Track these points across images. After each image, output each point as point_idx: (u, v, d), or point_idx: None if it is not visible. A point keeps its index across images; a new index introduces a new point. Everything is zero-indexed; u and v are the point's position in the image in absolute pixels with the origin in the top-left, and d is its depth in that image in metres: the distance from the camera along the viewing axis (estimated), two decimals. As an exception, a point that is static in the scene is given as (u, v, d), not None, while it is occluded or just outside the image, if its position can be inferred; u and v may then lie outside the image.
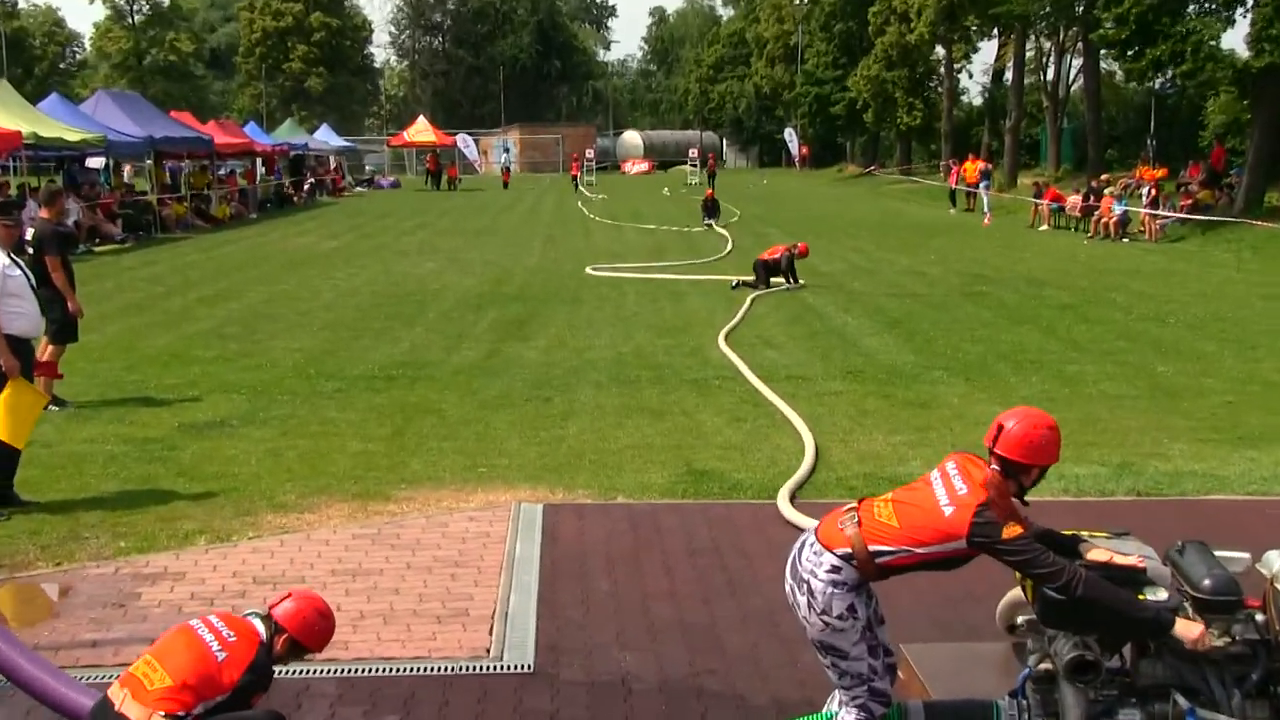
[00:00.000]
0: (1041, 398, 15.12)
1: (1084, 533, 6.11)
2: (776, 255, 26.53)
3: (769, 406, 14.62)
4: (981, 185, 52.02)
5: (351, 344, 19.36)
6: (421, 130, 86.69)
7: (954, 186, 55.26)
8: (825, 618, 5.86)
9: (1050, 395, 15.31)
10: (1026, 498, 5.91)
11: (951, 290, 25.62)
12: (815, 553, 5.95)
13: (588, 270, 30.00)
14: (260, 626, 6.06)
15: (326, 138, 79.80)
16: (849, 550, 5.86)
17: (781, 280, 26.16)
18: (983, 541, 5.64)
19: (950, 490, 5.81)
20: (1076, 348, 18.83)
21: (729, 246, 34.82)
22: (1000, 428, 5.87)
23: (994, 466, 5.85)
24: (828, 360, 17.77)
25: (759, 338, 19.82)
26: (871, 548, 5.82)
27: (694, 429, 13.60)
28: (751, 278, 26.47)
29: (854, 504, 6.08)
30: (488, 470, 11.89)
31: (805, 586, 5.92)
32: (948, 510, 5.73)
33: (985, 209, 49.41)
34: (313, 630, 6.18)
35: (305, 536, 9.87)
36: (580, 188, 74.71)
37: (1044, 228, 43.25)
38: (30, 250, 14.80)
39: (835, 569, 5.87)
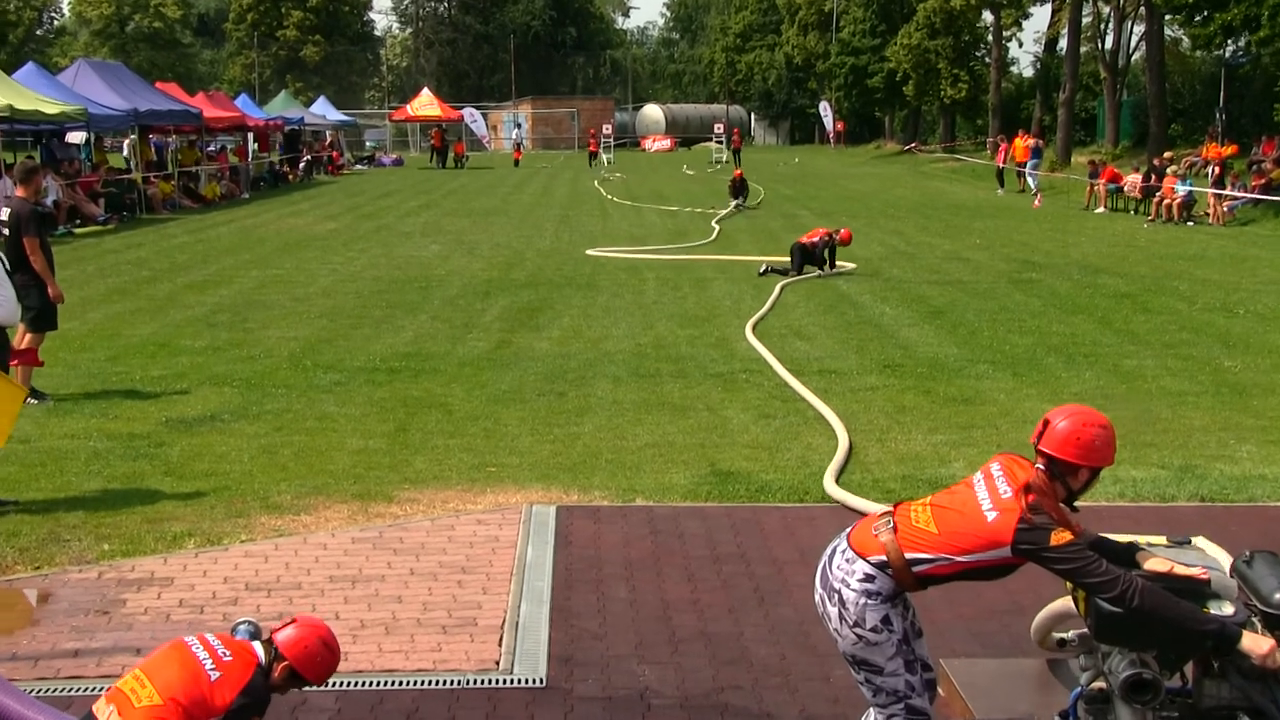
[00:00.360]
0: (1096, 394, 15.11)
1: (1142, 541, 6.10)
2: (815, 239, 26.45)
3: (799, 402, 14.64)
4: (1030, 164, 51.90)
5: (351, 333, 19.42)
6: (426, 103, 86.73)
7: (1002, 165, 55.18)
8: (858, 630, 5.86)
9: (1106, 391, 15.30)
10: (1077, 503, 5.89)
11: (998, 277, 25.59)
12: (847, 560, 5.94)
13: (587, 252, 30.09)
14: (259, 650, 6.09)
15: (324, 111, 79.89)
16: (884, 558, 5.85)
17: (815, 268, 26.11)
18: (1029, 549, 5.60)
19: (994, 493, 5.79)
20: (1135, 340, 18.80)
21: (714, 235, 34.51)
22: (1047, 424, 5.84)
23: (1039, 466, 5.83)
24: (863, 353, 17.77)
25: (789, 328, 19.83)
26: (908, 555, 5.81)
27: (719, 426, 13.62)
28: (782, 260, 26.48)
29: (890, 508, 6.08)
30: (497, 470, 11.93)
31: (836, 597, 5.92)
32: (990, 515, 5.71)
33: (1034, 189, 49.33)
34: (314, 661, 6.20)
35: (302, 540, 9.92)
36: (597, 165, 74.85)
37: (1100, 210, 43.14)
38: (5, 232, 14.85)
39: (869, 578, 5.86)
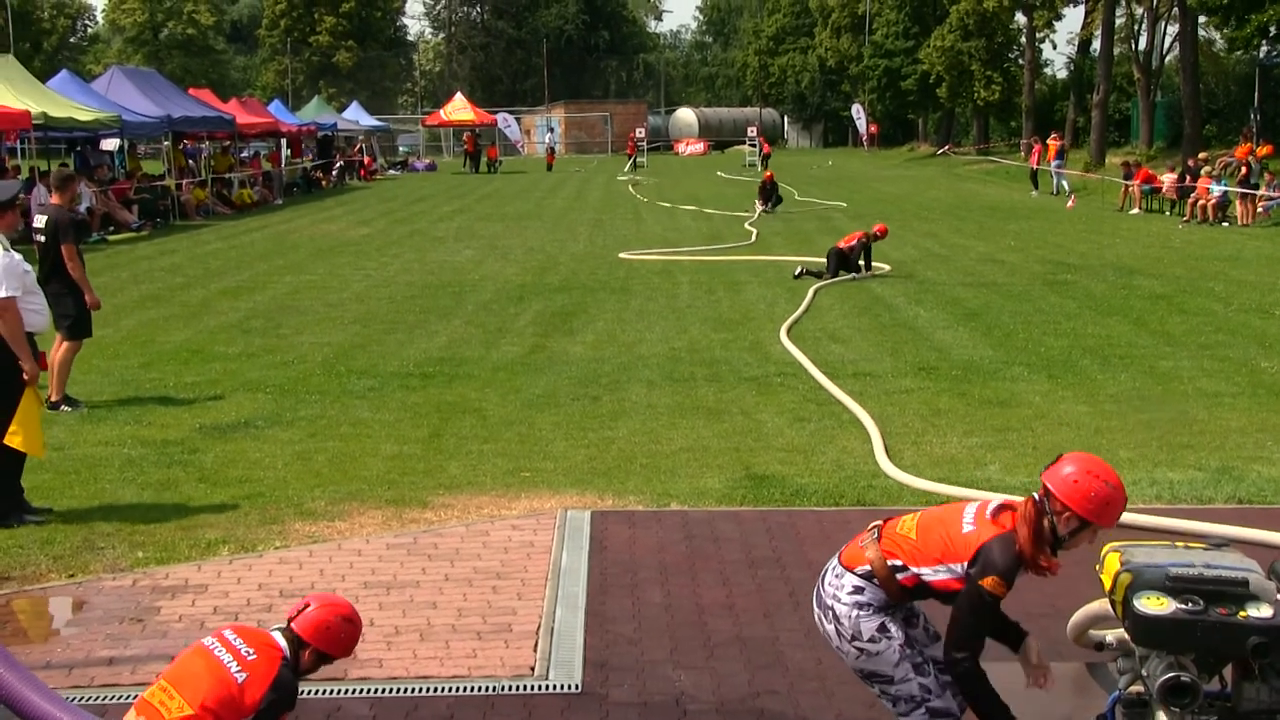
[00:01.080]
0: (1132, 395, 15.04)
1: (1179, 544, 6.07)
2: (853, 242, 26.36)
3: (835, 405, 14.61)
4: (1054, 165, 51.76)
5: (384, 339, 19.45)
6: (459, 108, 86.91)
7: (1036, 167, 54.98)
8: (856, 644, 5.89)
9: (1142, 393, 15.23)
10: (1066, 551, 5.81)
11: (1033, 279, 25.50)
12: (837, 576, 6.01)
13: (621, 255, 30.13)
14: (281, 640, 6.07)
15: (356, 117, 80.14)
16: (869, 568, 5.90)
17: (851, 273, 25.98)
18: (969, 570, 5.68)
19: (980, 513, 5.83)
20: (1171, 341, 18.71)
21: (754, 237, 34.54)
22: (1058, 458, 5.85)
23: (1034, 496, 5.81)
24: (898, 355, 17.73)
25: (823, 331, 19.79)
26: (889, 562, 5.86)
27: (753, 430, 13.60)
28: (817, 262, 26.44)
29: (878, 523, 6.10)
30: (531, 475, 11.93)
31: (830, 614, 5.96)
32: (967, 528, 5.76)
33: (1066, 190, 49.19)
34: (339, 639, 6.19)
35: (336, 546, 9.93)
36: (631, 169, 75.06)
37: (1135, 211, 42.95)
38: (41, 239, 14.90)
39: (858, 589, 5.91)
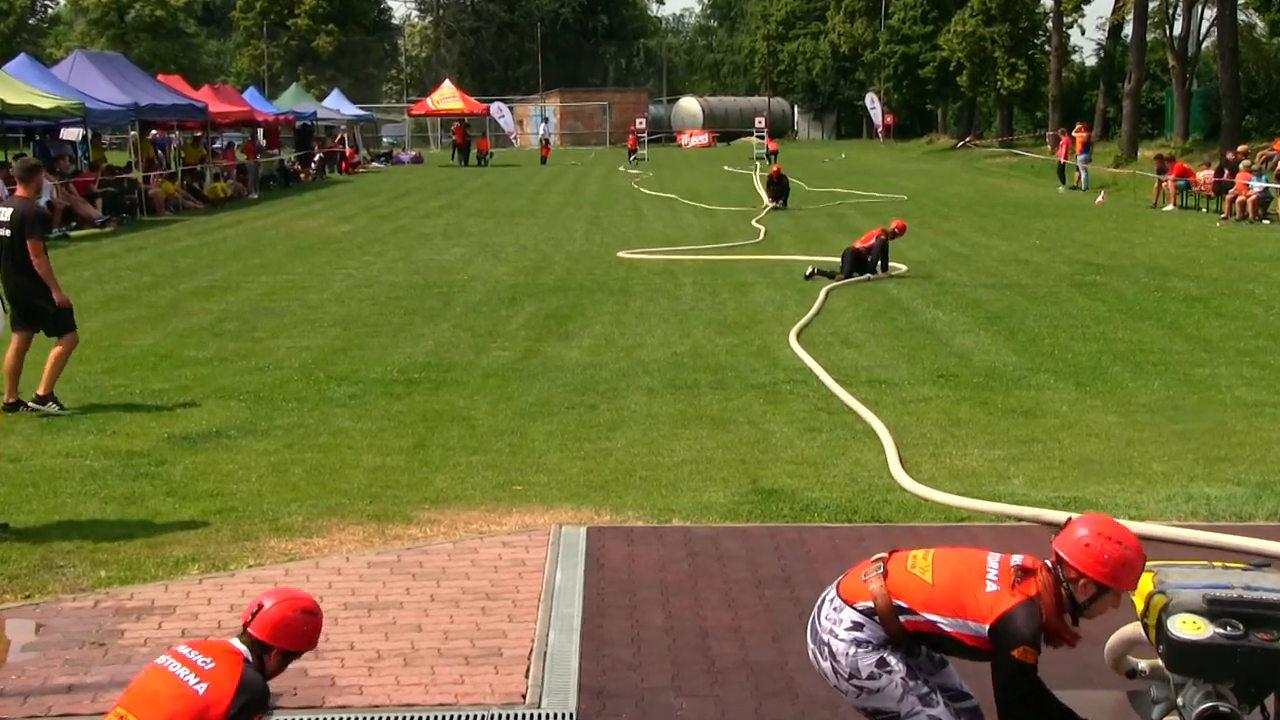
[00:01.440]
0: (1166, 404, 15.03)
1: (1217, 564, 6.05)
2: (870, 242, 26.33)
3: (847, 415, 14.59)
4: (1080, 159, 51.76)
5: (367, 342, 19.44)
6: (447, 97, 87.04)
7: (1063, 161, 54.98)
8: (855, 682, 5.88)
9: (1176, 402, 15.21)
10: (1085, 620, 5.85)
11: (1060, 280, 25.49)
12: (835, 609, 5.99)
13: (620, 254, 30.17)
14: (240, 645, 6.03)
15: (338, 105, 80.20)
16: (871, 604, 5.87)
17: (866, 273, 25.93)
18: (997, 639, 5.67)
19: (1004, 569, 5.81)
20: (1207, 347, 18.69)
21: (761, 235, 34.58)
22: (1068, 523, 5.84)
23: (1048, 564, 5.81)
24: (915, 362, 17.72)
25: (835, 335, 19.78)
26: (895, 601, 5.83)
27: (761, 441, 13.59)
28: (829, 262, 26.44)
29: (884, 554, 6.07)
30: (524, 488, 11.91)
31: (827, 650, 5.96)
32: (990, 586, 5.75)
33: (1084, 185, 49.27)
34: (301, 633, 6.15)
35: (314, 564, 9.91)
36: (632, 161, 75.12)
37: (1168, 208, 42.97)
38: (6, 232, 14.84)
39: (856, 625, 5.89)
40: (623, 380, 16.62)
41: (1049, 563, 5.77)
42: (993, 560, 5.84)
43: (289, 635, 6.09)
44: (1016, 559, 5.82)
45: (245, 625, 6.11)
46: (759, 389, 16.04)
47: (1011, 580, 5.72)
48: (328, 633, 8.49)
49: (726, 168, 70.65)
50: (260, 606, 6.12)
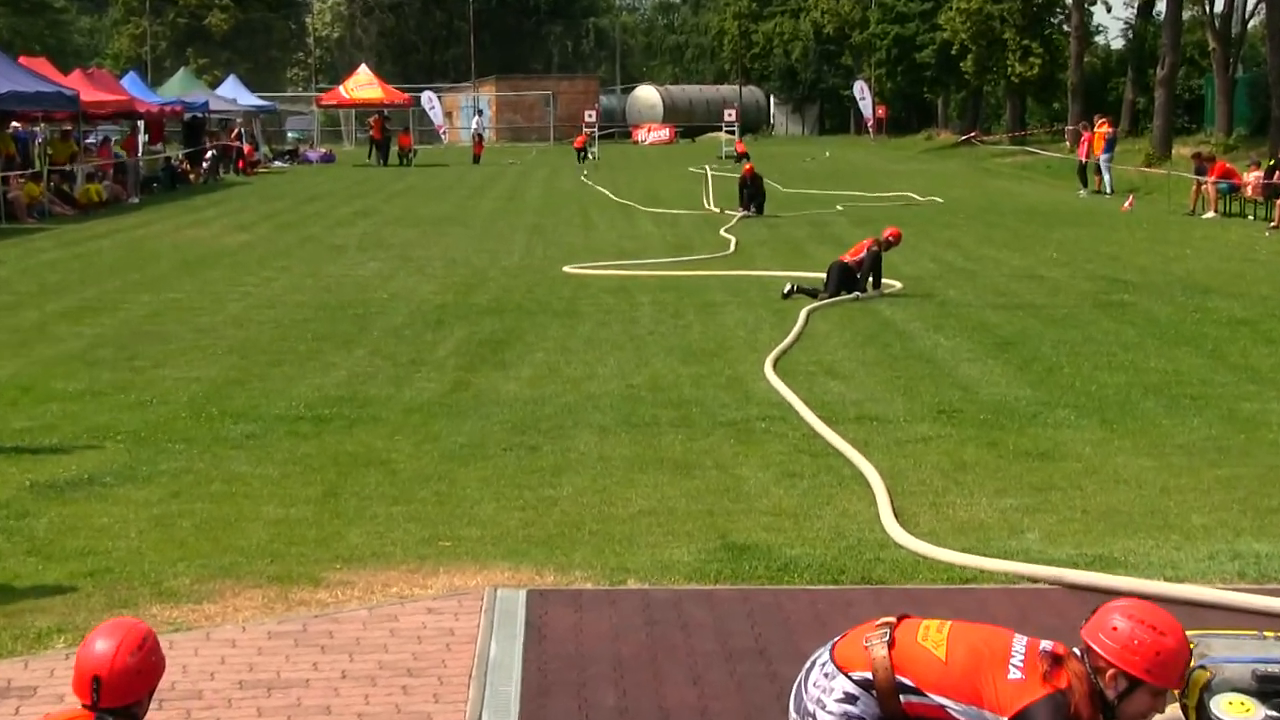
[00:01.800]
0: (1207, 445, 15.07)
1: (1268, 633, 6.07)
2: (860, 254, 26.29)
3: (832, 457, 14.59)
4: (1103, 158, 51.98)
5: (268, 373, 19.39)
6: (364, 84, 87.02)
7: (1084, 160, 55.25)
8: None
9: (1219, 443, 15.25)
10: None
11: (1082, 299, 25.60)
12: (826, 675, 5.97)
13: (565, 269, 30.22)
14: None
15: (234, 94, 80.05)
16: (869, 675, 5.85)
17: (855, 292, 25.88)
18: None
19: (1031, 654, 5.80)
20: (1255, 378, 18.78)
21: (732, 246, 34.67)
22: (1095, 610, 5.85)
23: (1075, 652, 5.82)
24: (912, 395, 17.75)
25: (819, 364, 19.82)
26: (899, 677, 5.81)
27: (732, 488, 13.58)
28: (812, 278, 26.46)
29: (892, 619, 6.06)
30: (453, 544, 11.88)
31: None
32: (1014, 674, 5.75)
33: (1109, 189, 49.59)
34: (153, 668, 6.15)
35: (204, 635, 9.85)
36: (582, 163, 75.08)
37: (1209, 215, 43.17)
38: None
39: (849, 698, 5.87)
40: (569, 417, 16.61)
41: (1078, 651, 5.77)
42: (1019, 643, 5.82)
43: (141, 681, 6.09)
44: (1046, 644, 5.81)
45: (92, 704, 6.06)
46: (729, 427, 16.04)
47: (1041, 670, 5.70)
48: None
49: (693, 169, 70.83)
50: (96, 678, 6.04)
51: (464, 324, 23.31)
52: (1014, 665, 5.71)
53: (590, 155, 78.75)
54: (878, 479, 13.43)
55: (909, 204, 47.79)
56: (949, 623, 5.95)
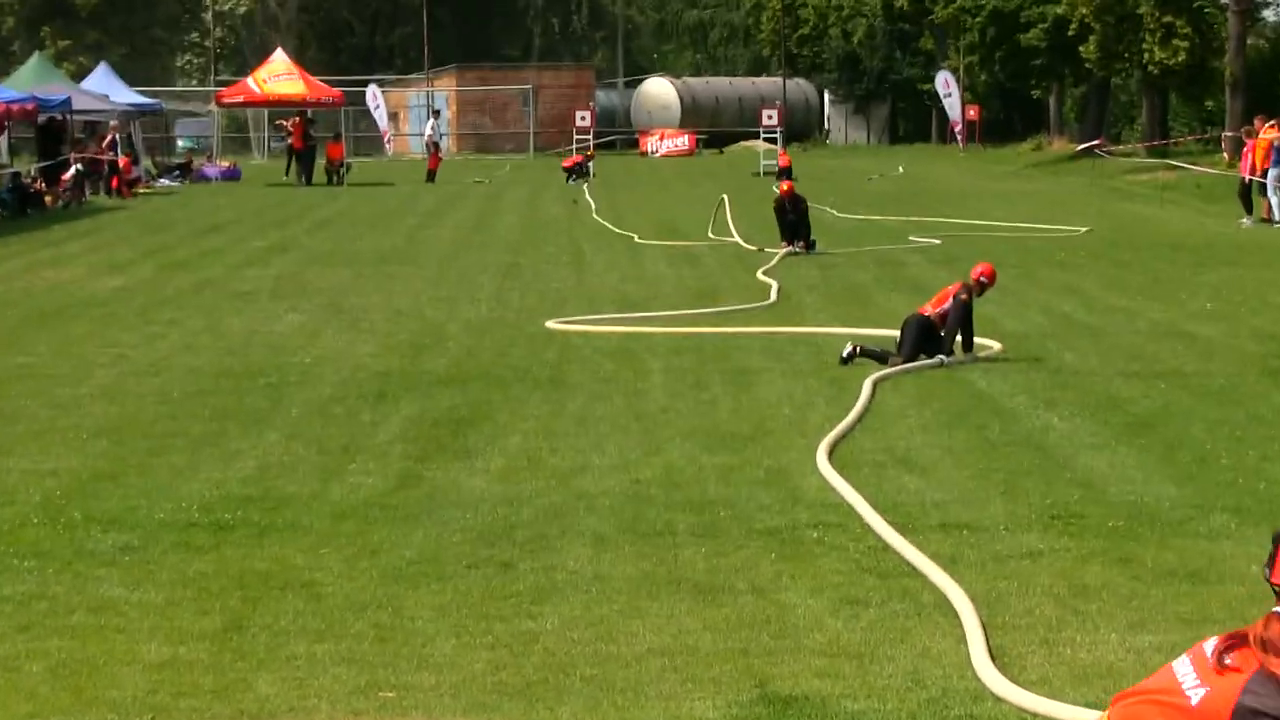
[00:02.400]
0: None
1: None
2: (945, 305, 26.10)
3: (908, 578, 14.59)
4: (1272, 175, 52.01)
5: (150, 464, 19.41)
6: (280, 75, 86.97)
7: (1249, 177, 55.26)
8: None
9: None
10: None
11: (1245, 365, 25.63)
12: None
13: (549, 325, 30.25)
14: None
15: (106, 89, 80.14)
16: None
17: (939, 354, 25.80)
18: None
19: (1200, 664, 5.98)
20: None
21: (773, 295, 34.70)
22: None
23: (1276, 610, 5.94)
24: (1015, 495, 17.75)
25: (889, 453, 19.83)
26: None
27: (773, 619, 13.58)
28: (881, 337, 26.47)
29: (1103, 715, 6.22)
30: (398, 695, 11.87)
31: None
32: (1196, 694, 5.89)
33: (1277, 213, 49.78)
34: None
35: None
36: (573, 185, 74.98)
37: None
38: None
39: None
40: (555, 523, 16.61)
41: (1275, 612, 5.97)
42: (1183, 668, 5.99)
43: None
44: (1212, 642, 5.91)
45: None
46: (769, 537, 16.04)
47: (1214, 667, 5.89)
48: None
49: (725, 196, 70.99)
50: None
51: (414, 398, 23.34)
52: (1187, 687, 5.87)
53: (585, 174, 78.57)
54: (969, 609, 13.43)
55: (1046, 235, 47.73)
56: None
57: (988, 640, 12.72)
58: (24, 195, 60.76)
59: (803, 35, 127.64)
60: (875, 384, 23.70)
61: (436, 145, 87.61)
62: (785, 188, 46.60)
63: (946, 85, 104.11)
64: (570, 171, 79.31)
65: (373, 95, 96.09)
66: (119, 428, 21.45)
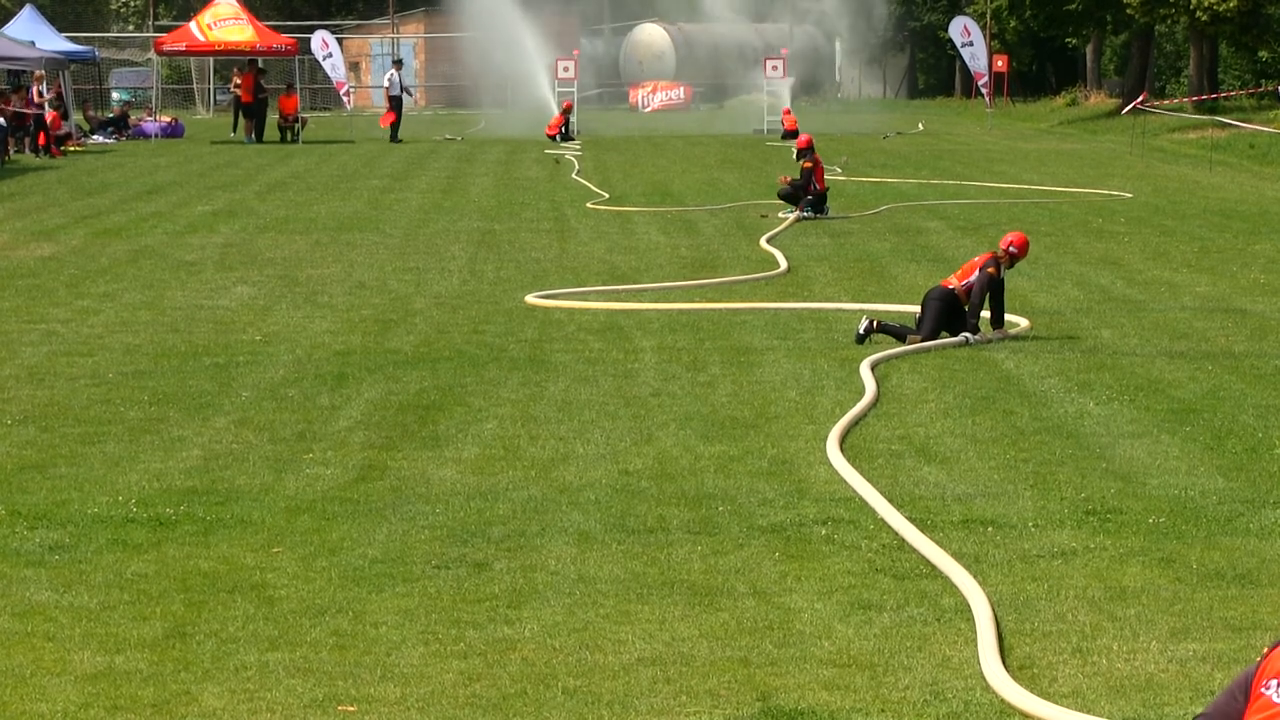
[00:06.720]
0: None
1: None
2: (971, 275, 25.96)
3: (926, 578, 14.62)
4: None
5: (82, 453, 19.42)
6: (226, 20, 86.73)
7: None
8: None
9: None
10: None
11: (1301, 345, 25.67)
12: None
13: (528, 299, 30.24)
14: None
15: (31, 34, 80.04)
16: None
17: (964, 331, 25.72)
18: None
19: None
20: None
21: (781, 265, 34.69)
22: None
23: None
24: (1047, 487, 17.79)
25: (907, 441, 19.86)
26: None
27: (777, 625, 13.62)
28: (900, 312, 26.45)
29: None
30: (359, 709, 11.91)
31: None
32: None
33: None
34: None
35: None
36: (560, 147, 74.91)
37: None
38: None
39: None
40: (534, 519, 16.65)
41: None
42: (1276, 694, 6.00)
43: None
44: None
45: None
46: (773, 534, 16.08)
47: None
48: None
49: (725, 149, 70.88)
50: None
51: (377, 380, 23.35)
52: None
53: (572, 137, 78.40)
54: (987, 613, 13.45)
55: (1082, 200, 47.73)
56: None
57: (1001, 643, 12.73)
58: (-59, 155, 60.80)
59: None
60: (875, 364, 23.59)
61: (398, 98, 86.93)
62: (805, 139, 46.28)
63: (966, 33, 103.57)
64: (557, 132, 78.96)
65: (321, 43, 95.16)
66: (47, 413, 21.46)
